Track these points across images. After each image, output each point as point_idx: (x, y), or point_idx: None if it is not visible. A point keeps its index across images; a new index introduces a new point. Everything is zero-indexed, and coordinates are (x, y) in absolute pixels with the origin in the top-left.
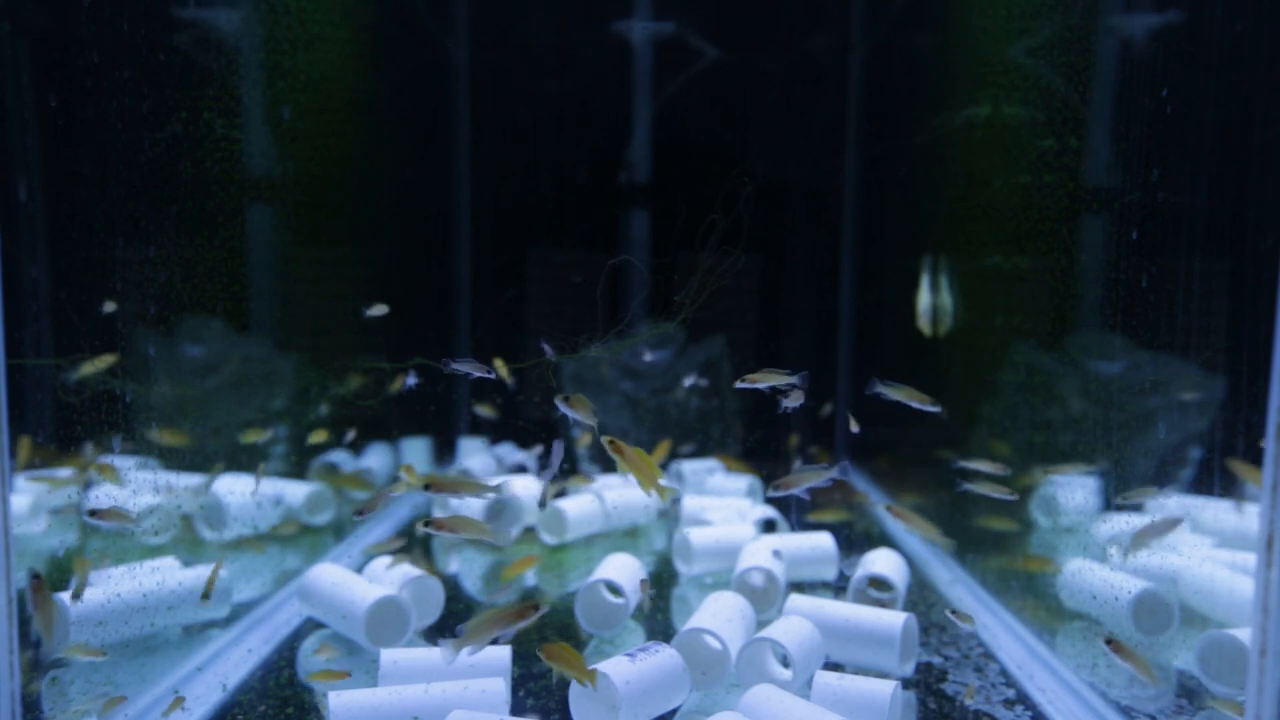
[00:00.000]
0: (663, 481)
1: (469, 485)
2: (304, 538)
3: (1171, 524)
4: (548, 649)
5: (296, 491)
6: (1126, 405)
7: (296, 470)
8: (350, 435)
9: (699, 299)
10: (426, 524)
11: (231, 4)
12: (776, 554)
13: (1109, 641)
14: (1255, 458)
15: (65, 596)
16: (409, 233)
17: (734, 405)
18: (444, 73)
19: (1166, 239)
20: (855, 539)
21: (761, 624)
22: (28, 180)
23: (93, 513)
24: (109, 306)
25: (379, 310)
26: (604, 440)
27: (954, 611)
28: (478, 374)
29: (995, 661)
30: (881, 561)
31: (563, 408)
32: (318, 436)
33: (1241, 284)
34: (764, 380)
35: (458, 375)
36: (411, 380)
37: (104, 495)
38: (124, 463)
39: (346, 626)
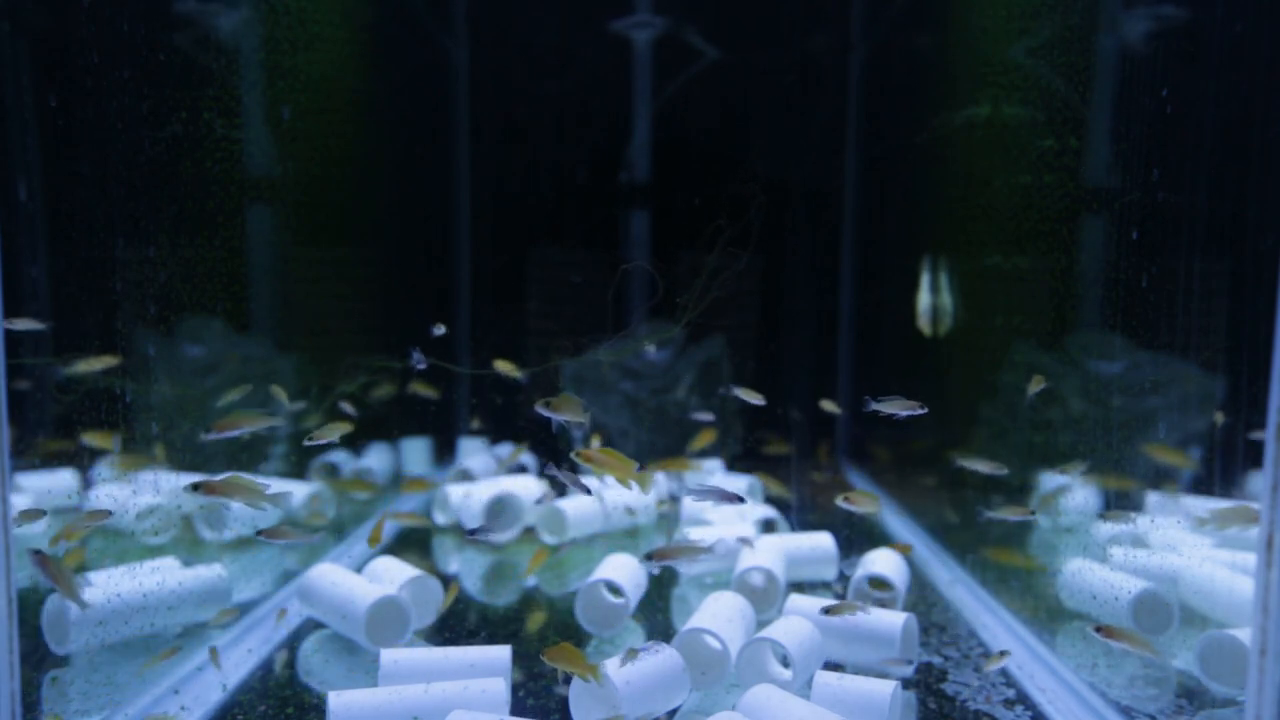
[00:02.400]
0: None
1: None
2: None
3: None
4: (550, 651)
5: (296, 491)
6: (1126, 405)
7: (296, 470)
8: (347, 408)
9: (703, 302)
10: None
11: (231, 4)
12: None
13: (1099, 629)
14: (1256, 458)
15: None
16: (409, 233)
17: (734, 405)
18: (444, 73)
19: (1166, 239)
20: (855, 539)
21: (761, 624)
22: (28, 180)
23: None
24: (90, 316)
25: (440, 330)
26: (572, 454)
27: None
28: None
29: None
30: (881, 561)
31: (544, 412)
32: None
33: (1241, 284)
34: (892, 408)
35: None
36: (418, 358)
37: (104, 496)
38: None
39: (346, 626)
